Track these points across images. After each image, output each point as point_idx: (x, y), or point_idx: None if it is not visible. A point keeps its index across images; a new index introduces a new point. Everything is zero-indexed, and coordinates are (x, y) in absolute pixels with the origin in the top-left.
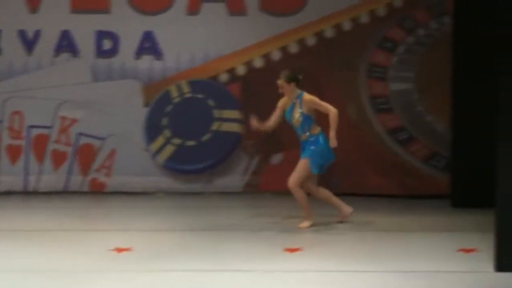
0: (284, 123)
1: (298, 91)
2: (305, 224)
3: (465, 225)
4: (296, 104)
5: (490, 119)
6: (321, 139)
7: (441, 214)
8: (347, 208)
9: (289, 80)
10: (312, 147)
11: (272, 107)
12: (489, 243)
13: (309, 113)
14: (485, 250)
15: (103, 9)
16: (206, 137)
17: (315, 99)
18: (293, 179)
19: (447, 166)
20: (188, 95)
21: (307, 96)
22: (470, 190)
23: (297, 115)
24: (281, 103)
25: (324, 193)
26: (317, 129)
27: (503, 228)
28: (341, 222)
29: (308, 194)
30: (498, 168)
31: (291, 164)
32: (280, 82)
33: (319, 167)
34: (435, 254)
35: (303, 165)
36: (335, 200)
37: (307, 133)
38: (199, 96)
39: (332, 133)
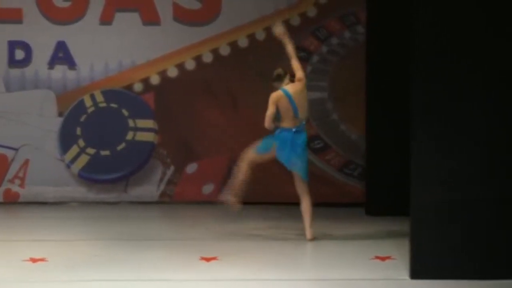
0: (199, 132)
1: (279, 88)
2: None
3: (380, 233)
4: None
5: (403, 128)
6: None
7: (356, 222)
8: (308, 233)
9: (272, 80)
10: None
11: (186, 116)
12: (404, 251)
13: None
14: (400, 258)
15: (16, 19)
16: (120, 147)
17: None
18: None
19: (361, 175)
20: (102, 105)
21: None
22: (385, 198)
23: None
24: None
25: (304, 206)
26: (281, 124)
27: (417, 236)
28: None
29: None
30: (411, 176)
31: (206, 174)
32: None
33: (261, 149)
34: (350, 262)
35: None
36: (306, 219)
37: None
38: (113, 105)
39: None
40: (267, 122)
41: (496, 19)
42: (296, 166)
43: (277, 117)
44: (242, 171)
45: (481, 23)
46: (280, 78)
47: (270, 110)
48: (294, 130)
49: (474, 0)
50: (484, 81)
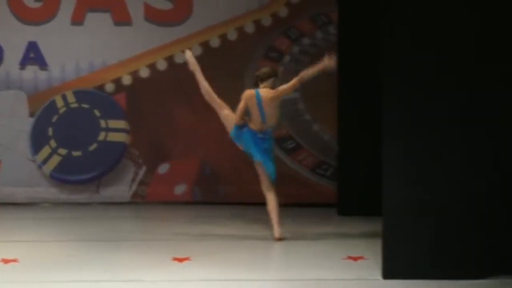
0: (171, 133)
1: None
2: None
3: (352, 233)
4: None
5: (375, 128)
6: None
7: (328, 222)
8: (276, 232)
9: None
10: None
11: (157, 116)
12: (376, 251)
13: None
14: (372, 258)
15: None
16: (92, 147)
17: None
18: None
19: (334, 175)
20: (74, 105)
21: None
22: (357, 198)
23: None
24: None
25: (270, 205)
26: (249, 122)
27: (389, 236)
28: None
29: None
30: (384, 176)
31: (178, 174)
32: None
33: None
34: (321, 262)
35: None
36: (274, 218)
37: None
38: (85, 106)
39: None
40: (237, 116)
41: (467, 19)
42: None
43: (248, 114)
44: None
45: (452, 23)
46: (258, 80)
47: (240, 105)
48: (260, 135)
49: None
50: (455, 81)
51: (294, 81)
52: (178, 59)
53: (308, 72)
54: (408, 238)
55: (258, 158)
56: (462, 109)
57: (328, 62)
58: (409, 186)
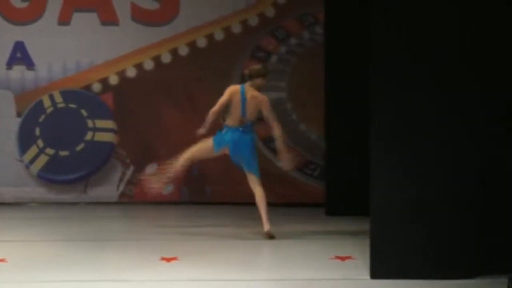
0: (158, 133)
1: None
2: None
3: (340, 233)
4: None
5: (363, 127)
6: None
7: (316, 222)
8: (265, 225)
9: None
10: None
11: (145, 116)
12: (364, 251)
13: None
14: (360, 258)
15: None
16: (79, 147)
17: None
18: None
19: (321, 175)
20: (61, 105)
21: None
22: (345, 198)
23: None
24: None
25: (258, 198)
26: (228, 121)
27: (377, 236)
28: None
29: None
30: (371, 176)
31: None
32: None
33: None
34: (309, 262)
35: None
36: (262, 210)
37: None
38: (72, 106)
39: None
40: (216, 106)
41: (457, 18)
42: (245, 164)
43: (227, 111)
44: (180, 163)
45: (443, 22)
46: (249, 75)
47: (223, 99)
48: (241, 129)
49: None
50: (443, 80)
51: (272, 118)
52: (165, 59)
53: (277, 139)
54: (396, 238)
55: (236, 159)
56: (451, 108)
57: (285, 163)
58: (397, 185)
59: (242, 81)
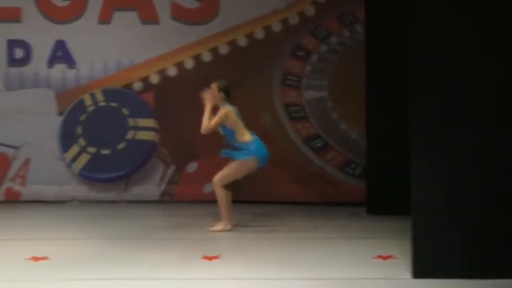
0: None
1: (225, 104)
2: (218, 227)
3: (382, 232)
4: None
5: (404, 126)
6: (251, 146)
7: (357, 221)
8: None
9: (219, 89)
10: (244, 154)
11: (186, 115)
12: (405, 250)
13: (228, 125)
14: (402, 257)
15: (15, 18)
16: (121, 146)
17: (219, 114)
18: (218, 177)
19: (362, 174)
20: (102, 104)
21: (223, 109)
22: (386, 197)
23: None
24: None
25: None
26: (244, 137)
27: (419, 235)
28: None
29: None
30: (412, 175)
31: (207, 173)
32: (213, 86)
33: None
34: (351, 261)
35: (234, 166)
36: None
37: (236, 144)
38: (113, 104)
39: None
40: (209, 127)
41: (495, 16)
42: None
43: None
44: (219, 194)
45: (479, 21)
46: (228, 97)
47: (217, 121)
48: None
49: None
50: (485, 80)
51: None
52: (205, 58)
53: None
54: (437, 237)
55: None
56: (491, 107)
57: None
58: (438, 185)
59: (226, 93)
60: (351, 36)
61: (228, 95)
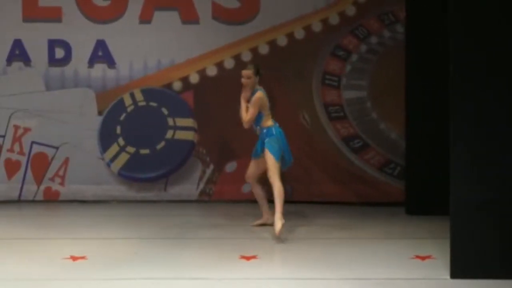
0: (238, 131)
1: (258, 87)
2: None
3: (420, 233)
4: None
5: (443, 126)
6: (274, 130)
7: (396, 221)
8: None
9: (256, 72)
10: (266, 139)
11: (225, 115)
12: (444, 250)
13: (260, 109)
14: (440, 257)
15: (55, 17)
16: (160, 145)
17: (254, 100)
18: (270, 174)
19: (401, 174)
20: (141, 103)
21: (256, 94)
22: (425, 197)
23: None
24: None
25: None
26: (268, 122)
27: (457, 235)
28: (262, 225)
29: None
30: (452, 175)
31: (246, 172)
32: (249, 72)
33: (278, 154)
34: (390, 261)
35: (269, 157)
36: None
37: (258, 127)
38: (153, 104)
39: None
40: (248, 122)
41: None
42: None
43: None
44: (279, 188)
45: None
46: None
47: (254, 111)
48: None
49: None
50: None
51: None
52: (245, 58)
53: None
54: (476, 237)
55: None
56: None
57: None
58: (477, 185)
59: (257, 73)
60: (392, 36)
61: (261, 75)
